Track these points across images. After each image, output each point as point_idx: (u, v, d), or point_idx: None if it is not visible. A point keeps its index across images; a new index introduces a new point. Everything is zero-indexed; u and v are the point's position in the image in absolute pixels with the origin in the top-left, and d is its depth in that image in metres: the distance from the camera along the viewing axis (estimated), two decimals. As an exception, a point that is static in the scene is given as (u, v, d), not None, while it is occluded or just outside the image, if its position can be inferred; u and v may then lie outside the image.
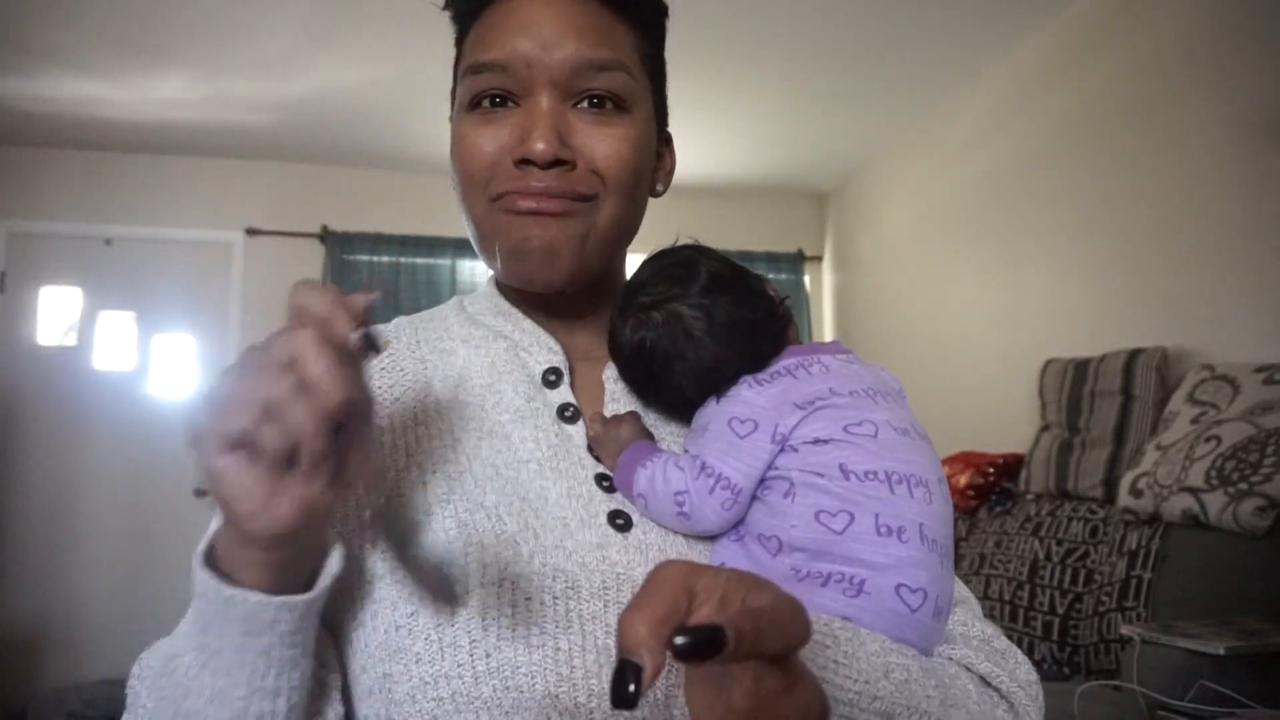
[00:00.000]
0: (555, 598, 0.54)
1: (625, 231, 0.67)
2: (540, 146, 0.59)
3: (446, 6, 0.68)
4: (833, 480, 0.56)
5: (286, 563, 0.45)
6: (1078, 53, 2.88)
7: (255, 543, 0.42)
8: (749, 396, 0.60)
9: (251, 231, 4.21)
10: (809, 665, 0.43)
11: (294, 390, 0.38)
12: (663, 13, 0.70)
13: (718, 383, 0.62)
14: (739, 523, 0.59)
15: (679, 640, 0.33)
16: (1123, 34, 2.69)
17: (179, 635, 0.51)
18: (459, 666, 0.52)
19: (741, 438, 0.58)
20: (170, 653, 0.51)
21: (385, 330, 0.72)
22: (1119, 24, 2.71)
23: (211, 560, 0.46)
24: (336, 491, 0.41)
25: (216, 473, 0.39)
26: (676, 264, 0.65)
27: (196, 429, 0.40)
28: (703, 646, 0.33)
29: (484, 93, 0.62)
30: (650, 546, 0.59)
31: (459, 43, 0.68)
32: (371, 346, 0.42)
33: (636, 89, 0.64)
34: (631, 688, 0.33)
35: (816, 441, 0.57)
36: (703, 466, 0.58)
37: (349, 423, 0.40)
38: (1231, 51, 2.31)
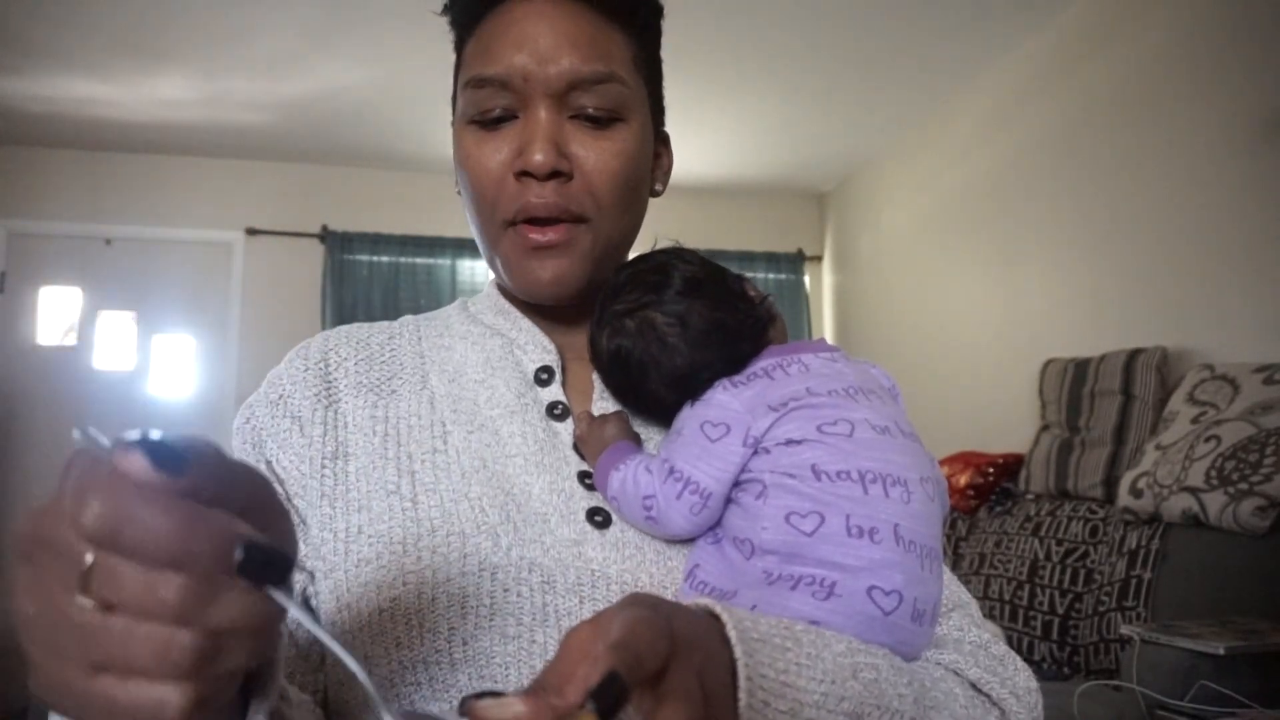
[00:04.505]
0: (532, 590, 0.55)
1: (626, 239, 0.70)
2: (538, 159, 0.61)
3: (445, 13, 0.69)
4: (804, 481, 0.54)
5: None
6: (1078, 53, 2.89)
7: None
8: (723, 400, 0.59)
9: (251, 231, 4.21)
10: (770, 670, 0.43)
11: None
12: (658, 14, 0.71)
13: (694, 387, 0.61)
14: (716, 525, 0.59)
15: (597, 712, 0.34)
16: (1123, 34, 2.69)
17: None
18: (437, 653, 0.54)
19: (713, 441, 0.57)
20: None
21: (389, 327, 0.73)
22: (1119, 24, 2.71)
23: None
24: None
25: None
26: (650, 269, 0.64)
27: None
28: (617, 703, 0.34)
29: (485, 110, 0.64)
30: (627, 544, 0.59)
31: (458, 47, 0.70)
32: (262, 569, 0.29)
33: (631, 97, 0.65)
34: None
35: (789, 442, 0.56)
36: (671, 470, 0.58)
37: None
38: (1231, 51, 2.31)
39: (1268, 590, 1.78)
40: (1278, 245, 2.18)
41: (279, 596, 0.30)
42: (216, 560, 0.29)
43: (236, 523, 0.30)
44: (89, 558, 0.28)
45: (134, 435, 0.29)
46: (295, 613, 0.31)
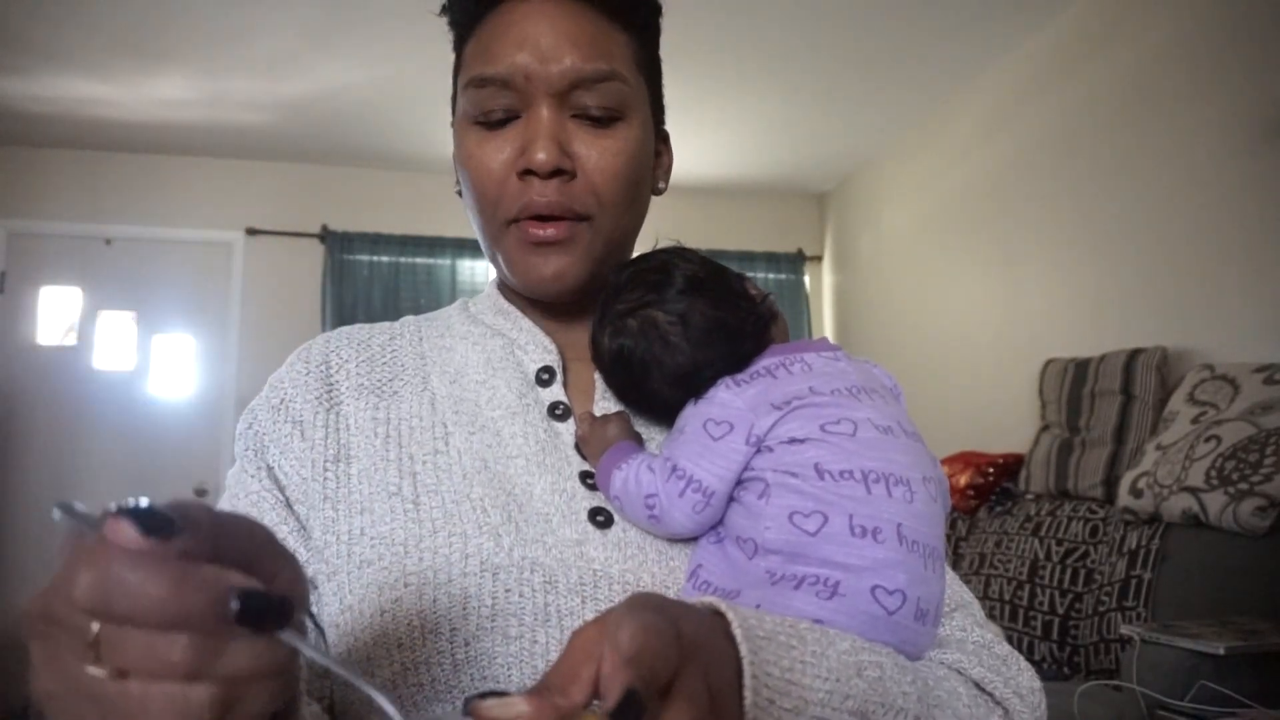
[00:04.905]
0: (534, 590, 0.55)
1: (628, 237, 0.70)
2: (541, 157, 0.61)
3: (445, 13, 0.69)
4: (807, 480, 0.54)
5: None
6: (1078, 53, 2.88)
7: None
8: (725, 398, 0.59)
9: (251, 231, 4.20)
10: (775, 668, 0.44)
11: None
12: (657, 12, 0.71)
13: (697, 386, 0.61)
14: (719, 524, 0.59)
15: None
16: (1122, 34, 2.69)
17: None
18: (439, 654, 0.53)
19: (716, 440, 0.57)
20: None
21: (391, 329, 0.73)
22: (1118, 24, 2.71)
23: None
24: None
25: None
26: (651, 269, 0.64)
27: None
28: (638, 714, 0.34)
29: (487, 110, 0.64)
30: (629, 544, 0.59)
31: (457, 47, 0.70)
32: (262, 615, 0.30)
33: (632, 95, 0.66)
34: None
35: (792, 441, 0.56)
36: (674, 469, 0.58)
37: None
38: (1231, 52, 2.31)
39: (1268, 590, 1.78)
40: (1278, 245, 2.18)
41: (287, 637, 0.31)
42: (214, 614, 0.29)
43: (228, 575, 0.30)
44: (94, 628, 0.29)
45: (121, 504, 0.30)
46: (306, 651, 0.31)
